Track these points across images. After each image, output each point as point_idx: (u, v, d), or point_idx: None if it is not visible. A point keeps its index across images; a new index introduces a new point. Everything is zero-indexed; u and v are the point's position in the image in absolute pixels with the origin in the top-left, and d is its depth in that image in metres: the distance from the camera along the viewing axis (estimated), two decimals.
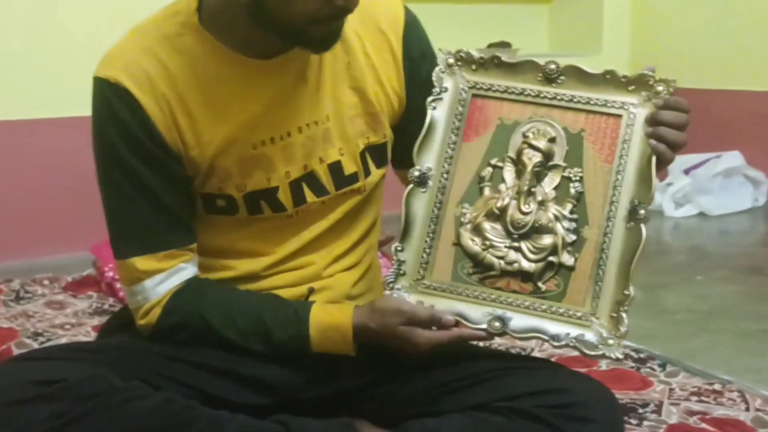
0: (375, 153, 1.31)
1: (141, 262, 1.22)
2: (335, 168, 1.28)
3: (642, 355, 1.91)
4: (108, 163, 1.22)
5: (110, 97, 1.18)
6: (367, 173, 1.31)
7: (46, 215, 2.87)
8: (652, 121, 1.18)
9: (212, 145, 1.21)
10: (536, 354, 1.90)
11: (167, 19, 1.22)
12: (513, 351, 1.88)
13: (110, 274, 2.45)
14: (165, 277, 1.23)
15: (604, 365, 1.86)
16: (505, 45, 3.75)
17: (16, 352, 1.97)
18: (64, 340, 2.07)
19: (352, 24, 1.23)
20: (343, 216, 1.32)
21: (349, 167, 1.29)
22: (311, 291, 1.29)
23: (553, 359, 1.84)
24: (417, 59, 1.31)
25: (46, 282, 2.57)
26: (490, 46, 3.75)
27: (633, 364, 1.87)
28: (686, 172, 3.49)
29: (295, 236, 1.30)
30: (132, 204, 1.21)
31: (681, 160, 3.48)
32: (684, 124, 1.18)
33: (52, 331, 2.16)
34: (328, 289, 1.31)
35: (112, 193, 1.23)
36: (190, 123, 1.20)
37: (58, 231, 2.87)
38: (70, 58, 2.78)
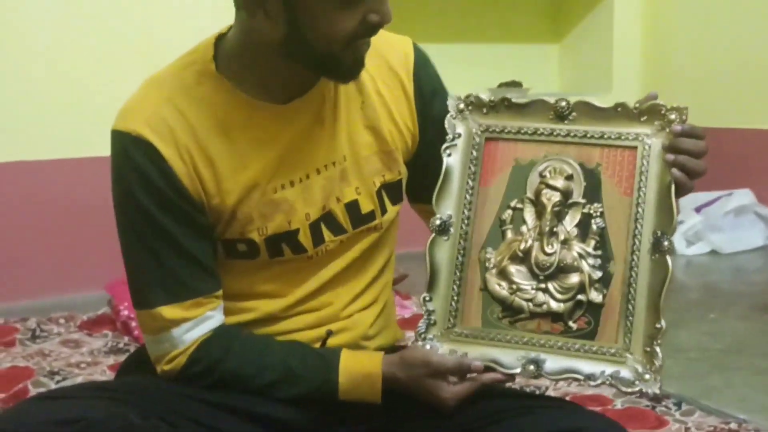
0: (391, 190, 1.32)
1: (168, 311, 1.21)
2: (352, 207, 1.28)
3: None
4: (131, 216, 1.21)
5: (132, 150, 1.18)
6: (384, 211, 1.31)
7: (61, 254, 2.90)
8: (671, 150, 1.17)
9: (234, 192, 1.21)
10: (551, 393, 1.89)
11: (184, 68, 1.23)
12: (527, 390, 1.88)
13: (125, 312, 2.46)
14: (192, 325, 1.22)
15: (619, 404, 1.85)
16: (515, 84, 3.78)
17: (33, 390, 1.98)
18: (80, 379, 2.08)
19: (364, 65, 1.25)
20: (360, 254, 1.32)
21: (366, 206, 1.29)
22: (329, 334, 1.29)
23: (567, 398, 1.84)
24: (428, 95, 1.32)
25: (61, 321, 2.58)
26: (500, 85, 3.78)
27: (648, 403, 1.86)
28: (697, 210, 3.50)
29: (314, 276, 1.30)
30: (157, 254, 1.21)
31: (692, 198, 3.48)
32: (703, 151, 1.17)
33: (68, 369, 2.17)
34: (346, 330, 1.31)
35: (136, 244, 1.22)
36: (211, 172, 1.21)
37: (73, 269, 2.89)
38: (87, 100, 2.82)
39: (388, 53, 1.32)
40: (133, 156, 1.18)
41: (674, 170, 1.16)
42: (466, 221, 1.24)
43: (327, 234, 1.28)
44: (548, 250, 1.20)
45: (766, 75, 3.50)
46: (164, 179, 1.18)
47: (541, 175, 1.23)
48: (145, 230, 1.21)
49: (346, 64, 1.18)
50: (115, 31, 2.83)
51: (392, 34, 1.34)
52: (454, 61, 3.65)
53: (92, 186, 2.50)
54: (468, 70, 3.71)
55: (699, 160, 1.18)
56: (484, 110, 1.27)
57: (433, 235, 1.24)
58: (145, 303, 1.23)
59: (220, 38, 1.25)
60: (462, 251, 1.23)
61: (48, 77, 2.80)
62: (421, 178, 1.33)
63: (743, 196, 3.50)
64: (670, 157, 1.17)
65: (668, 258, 1.16)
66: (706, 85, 3.73)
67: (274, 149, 1.23)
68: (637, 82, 3.91)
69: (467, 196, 1.24)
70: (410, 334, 2.45)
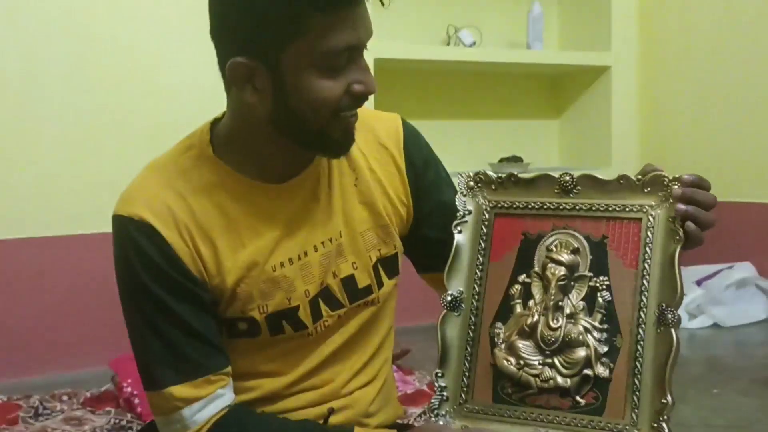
0: (387, 264, 1.33)
1: (178, 390, 1.20)
2: (349, 282, 1.30)
3: None
4: (136, 298, 1.22)
5: (135, 234, 1.20)
6: (380, 285, 1.33)
7: (65, 330, 2.90)
8: (683, 201, 1.17)
9: (233, 271, 1.23)
10: None
11: (182, 153, 1.26)
12: None
13: (128, 389, 2.45)
14: (204, 404, 1.21)
15: None
16: (516, 159, 3.83)
17: None
18: None
19: (356, 142, 1.29)
20: (358, 329, 1.33)
21: (363, 280, 1.31)
22: (331, 412, 1.30)
23: None
24: (420, 167, 1.35)
25: (64, 398, 2.57)
26: (501, 160, 3.83)
27: None
28: (698, 283, 3.51)
29: (314, 353, 1.30)
30: (164, 334, 1.21)
31: (693, 271, 3.50)
32: (712, 203, 1.17)
33: None
34: (347, 408, 1.31)
35: (142, 326, 1.23)
36: (211, 252, 1.22)
37: (77, 346, 2.89)
38: (91, 180, 2.86)
39: (378, 130, 1.35)
40: (135, 239, 1.20)
41: (688, 223, 1.15)
42: (476, 297, 1.24)
43: (325, 309, 1.29)
44: (553, 324, 1.19)
45: (763, 148, 3.55)
46: (167, 261, 1.20)
47: (548, 249, 1.23)
48: (151, 311, 1.21)
49: (335, 138, 1.20)
50: (122, 112, 2.88)
51: (382, 112, 1.38)
52: (458, 136, 3.71)
53: (96, 262, 2.53)
54: (471, 146, 3.77)
55: (709, 213, 1.17)
56: (493, 187, 1.28)
57: (444, 311, 1.24)
58: (154, 384, 1.22)
59: (215, 123, 1.28)
60: (473, 327, 1.23)
61: (53, 156, 2.84)
62: (423, 249, 1.35)
63: (744, 270, 3.51)
64: (681, 208, 1.16)
65: (673, 331, 1.14)
66: (704, 159, 3.77)
67: (272, 228, 1.25)
68: (635, 156, 3.96)
69: (478, 272, 1.25)
70: (412, 410, 2.45)
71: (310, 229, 1.27)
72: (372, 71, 2.85)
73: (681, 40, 3.78)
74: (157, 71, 2.90)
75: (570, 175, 1.24)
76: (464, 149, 3.67)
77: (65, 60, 2.76)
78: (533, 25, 3.56)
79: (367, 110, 1.32)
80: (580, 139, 4.03)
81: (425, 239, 1.34)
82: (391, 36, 3.31)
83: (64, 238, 2.90)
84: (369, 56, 3.12)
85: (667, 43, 3.84)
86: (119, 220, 1.22)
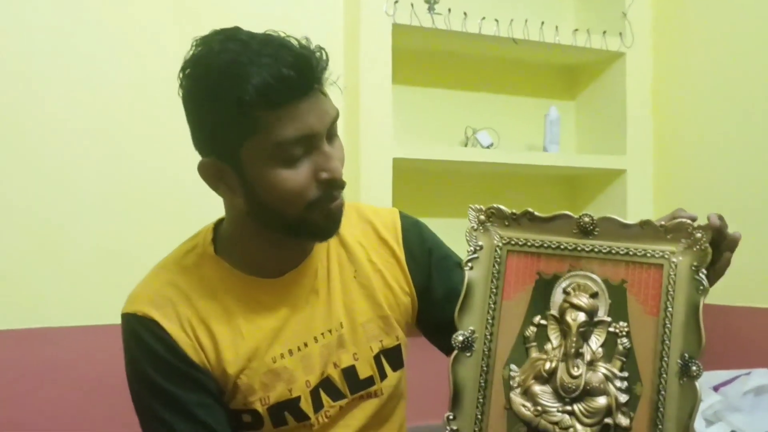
0: (390, 356, 1.35)
1: None
2: (350, 372, 1.31)
3: None
4: (145, 394, 1.25)
5: (139, 330, 1.24)
6: (383, 376, 1.34)
7: (80, 423, 2.87)
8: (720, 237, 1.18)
9: (234, 364, 1.25)
10: None
11: (186, 253, 1.31)
12: None
13: None
14: None
15: None
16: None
17: None
18: None
19: (355, 236, 1.32)
20: (366, 423, 1.33)
21: (364, 371, 1.32)
22: None
23: None
24: (419, 256, 1.38)
25: None
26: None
27: None
28: (715, 388, 3.46)
29: None
30: (171, 427, 1.23)
31: (709, 377, 3.45)
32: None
33: None
34: None
35: (152, 421, 1.25)
36: (212, 345, 1.25)
37: None
38: (112, 274, 2.86)
39: (377, 224, 1.38)
40: (139, 334, 1.24)
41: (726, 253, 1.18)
42: (489, 336, 1.20)
43: (326, 399, 1.29)
44: (574, 372, 1.15)
45: None
46: (170, 352, 1.23)
47: (565, 292, 1.20)
48: (159, 406, 1.23)
49: (318, 224, 1.22)
50: (143, 211, 2.88)
51: (380, 207, 1.41)
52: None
53: (114, 353, 2.53)
54: (489, 196, 3.76)
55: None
56: (506, 222, 1.24)
57: (456, 352, 1.20)
58: None
59: (219, 223, 1.33)
60: (485, 368, 1.19)
61: (77, 250, 2.85)
62: (446, 334, 1.32)
63: (762, 376, 3.45)
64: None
65: (697, 384, 1.12)
66: None
67: (272, 320, 1.28)
68: None
69: (490, 311, 1.21)
70: None
71: (309, 321, 1.29)
72: (390, 170, 2.87)
73: (696, 147, 3.83)
74: (184, 175, 2.94)
75: (590, 216, 1.21)
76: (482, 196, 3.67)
77: (98, 162, 2.79)
78: (550, 128, 3.62)
79: (367, 206, 1.37)
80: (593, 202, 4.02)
81: (445, 325, 1.31)
82: (410, 136, 3.37)
83: (83, 329, 2.89)
84: (388, 156, 3.15)
85: (681, 148, 3.89)
86: (125, 318, 1.27)
